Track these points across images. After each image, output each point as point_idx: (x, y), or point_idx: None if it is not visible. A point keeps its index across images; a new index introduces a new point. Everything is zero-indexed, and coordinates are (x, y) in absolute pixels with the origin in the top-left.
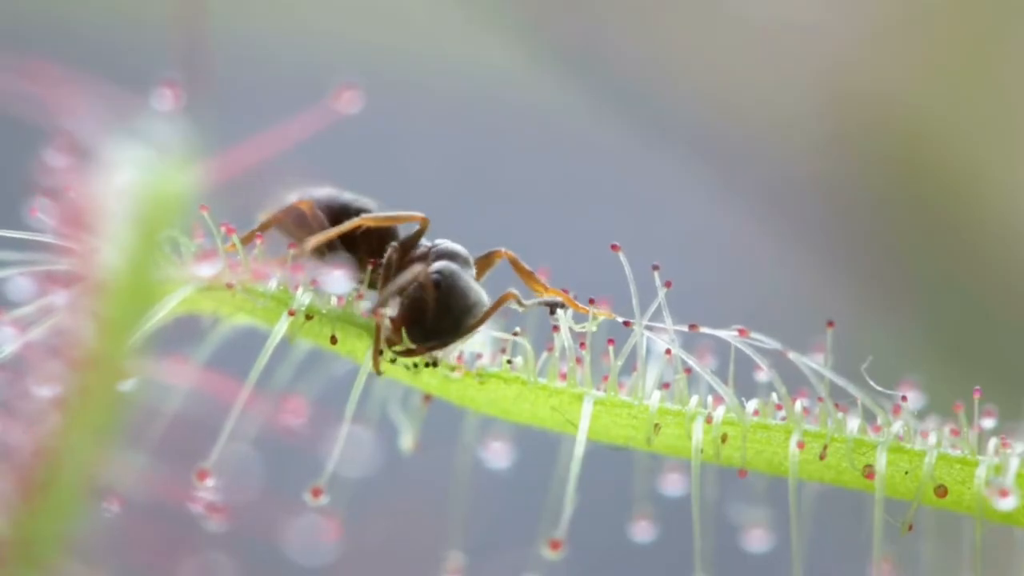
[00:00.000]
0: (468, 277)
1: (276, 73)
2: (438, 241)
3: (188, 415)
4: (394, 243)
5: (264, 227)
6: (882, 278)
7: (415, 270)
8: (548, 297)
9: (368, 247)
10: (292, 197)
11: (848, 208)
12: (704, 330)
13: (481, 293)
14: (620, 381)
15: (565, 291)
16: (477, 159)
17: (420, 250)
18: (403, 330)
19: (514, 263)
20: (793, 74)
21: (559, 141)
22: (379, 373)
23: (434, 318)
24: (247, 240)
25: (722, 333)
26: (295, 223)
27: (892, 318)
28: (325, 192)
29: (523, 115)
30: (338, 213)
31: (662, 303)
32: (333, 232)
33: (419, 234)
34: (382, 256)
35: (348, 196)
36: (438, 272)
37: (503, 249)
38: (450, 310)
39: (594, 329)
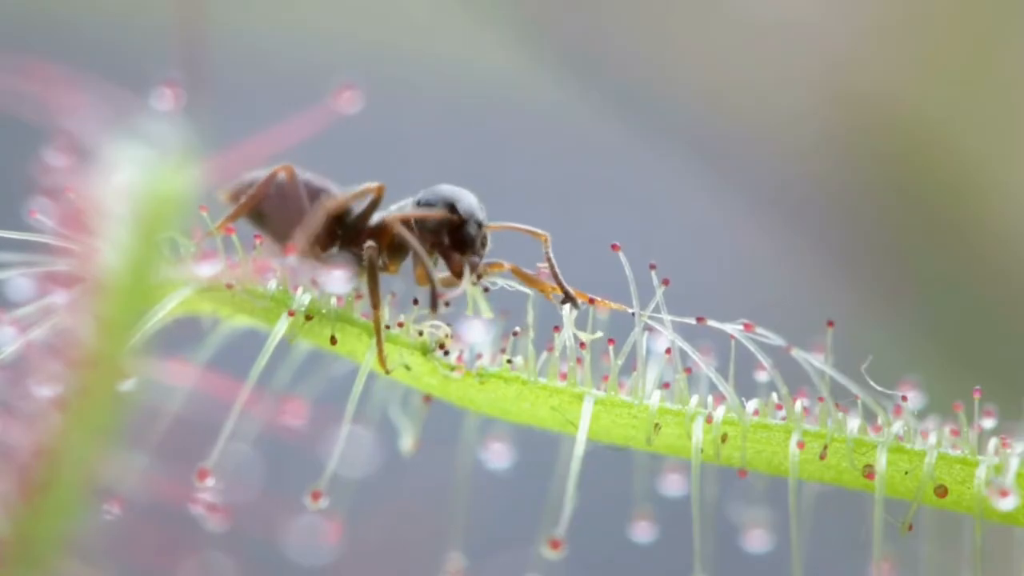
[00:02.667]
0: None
1: (276, 73)
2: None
3: (188, 415)
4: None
5: (249, 205)
6: (882, 278)
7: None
8: (572, 292)
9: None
10: (261, 172)
11: (848, 208)
12: (711, 323)
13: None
14: (620, 381)
15: (593, 299)
16: (477, 159)
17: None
18: (456, 256)
19: (548, 257)
20: (793, 74)
21: (559, 141)
22: (387, 372)
23: (456, 231)
24: (232, 219)
25: (728, 327)
26: (279, 194)
27: (892, 318)
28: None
29: (523, 115)
30: (313, 191)
31: (660, 301)
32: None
33: (373, 205)
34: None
35: (308, 175)
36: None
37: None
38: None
39: (595, 336)
